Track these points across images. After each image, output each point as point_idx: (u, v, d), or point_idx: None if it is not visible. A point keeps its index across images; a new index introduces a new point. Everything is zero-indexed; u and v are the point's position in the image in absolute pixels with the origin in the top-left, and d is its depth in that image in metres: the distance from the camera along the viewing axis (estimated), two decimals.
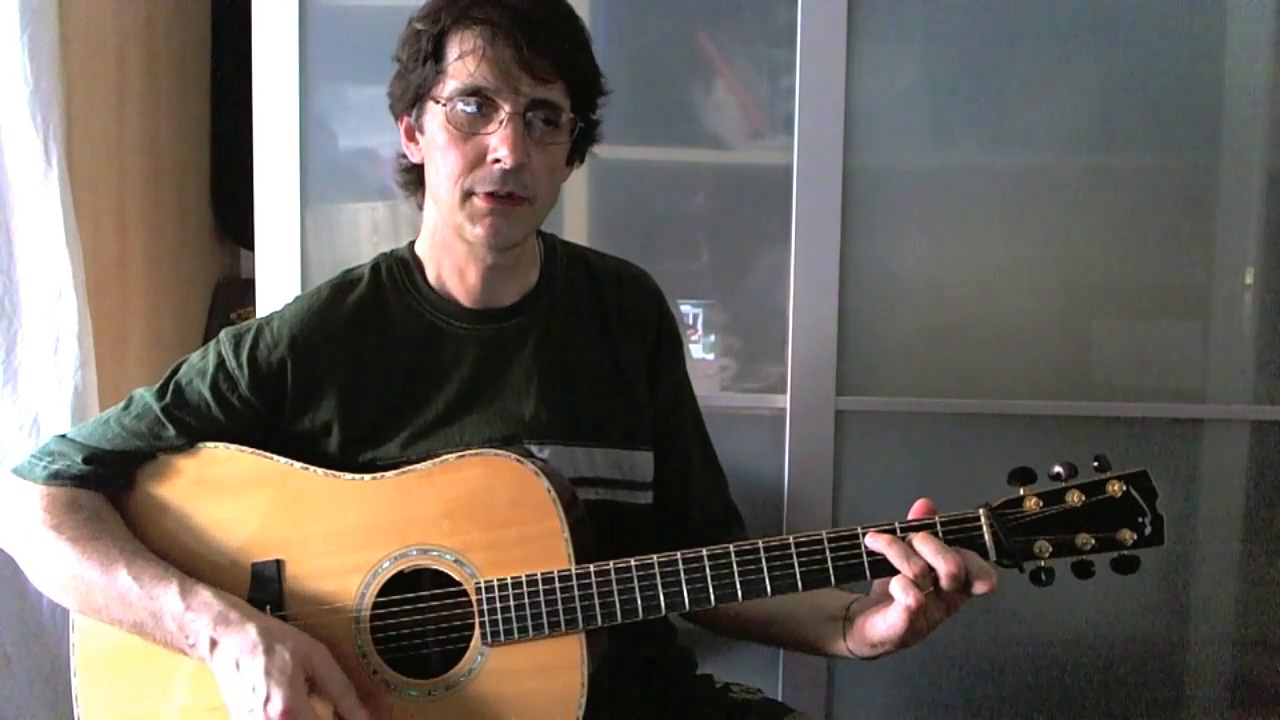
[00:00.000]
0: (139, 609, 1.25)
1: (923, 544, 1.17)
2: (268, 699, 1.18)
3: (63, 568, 1.28)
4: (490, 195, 1.29)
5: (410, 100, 1.33)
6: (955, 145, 1.84)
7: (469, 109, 1.28)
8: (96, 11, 1.95)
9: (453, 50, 1.28)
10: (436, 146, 1.31)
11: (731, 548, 1.22)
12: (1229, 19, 1.81)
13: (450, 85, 1.28)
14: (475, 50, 1.27)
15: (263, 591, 1.28)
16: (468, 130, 1.28)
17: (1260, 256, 1.85)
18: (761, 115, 1.83)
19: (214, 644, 1.22)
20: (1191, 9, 1.80)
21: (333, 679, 1.22)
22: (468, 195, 1.30)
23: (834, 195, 1.78)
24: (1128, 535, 1.18)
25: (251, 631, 1.21)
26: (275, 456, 1.32)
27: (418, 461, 1.30)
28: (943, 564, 1.16)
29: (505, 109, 1.27)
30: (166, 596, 1.24)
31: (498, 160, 1.27)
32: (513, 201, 1.30)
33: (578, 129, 1.34)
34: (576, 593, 1.22)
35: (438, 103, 1.29)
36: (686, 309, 1.85)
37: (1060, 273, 1.84)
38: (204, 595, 1.24)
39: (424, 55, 1.29)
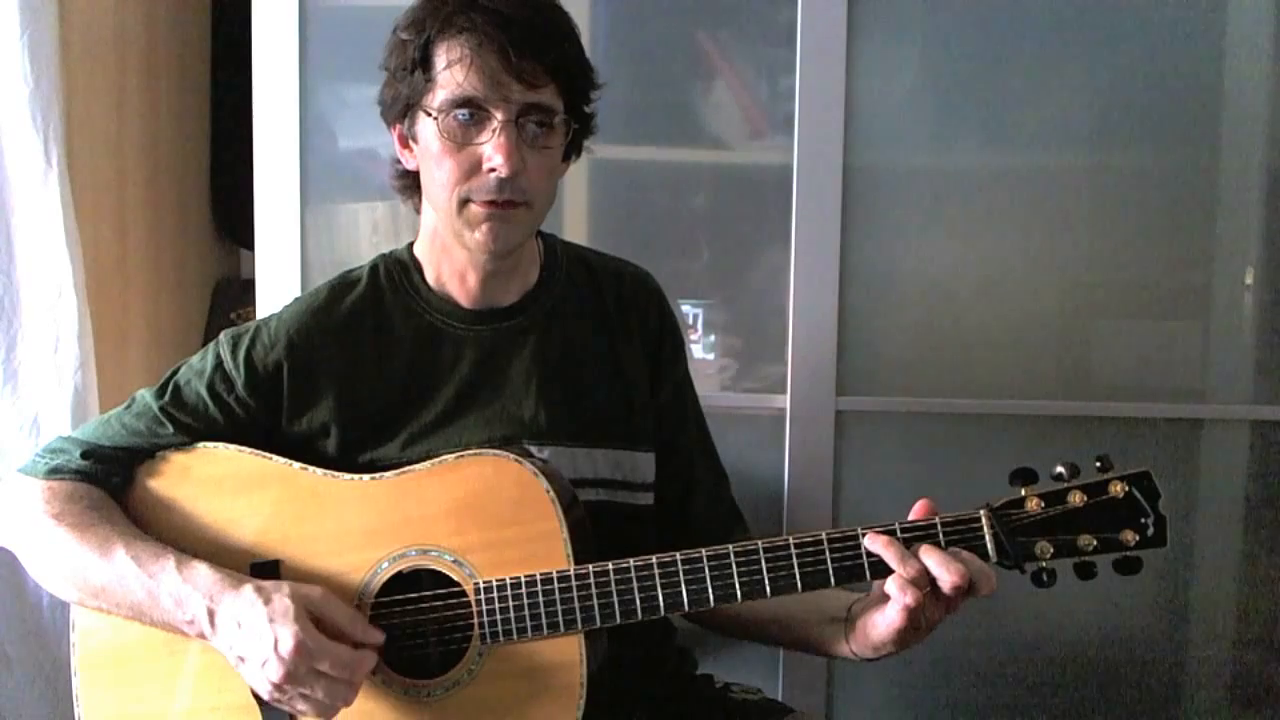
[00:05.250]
0: (137, 588, 1.25)
1: (927, 555, 1.17)
2: (276, 641, 1.17)
3: (63, 554, 1.28)
4: (488, 203, 1.28)
5: (401, 110, 1.32)
6: (955, 145, 1.84)
7: (461, 118, 1.27)
8: (96, 11, 1.95)
9: (440, 59, 1.27)
10: (431, 156, 1.30)
11: (731, 548, 1.21)
12: (1229, 19, 1.80)
13: (440, 95, 1.27)
14: (463, 59, 1.25)
15: None
16: (461, 140, 1.28)
17: (1260, 256, 1.85)
18: (761, 115, 1.83)
19: (212, 614, 1.21)
20: (1191, 9, 1.79)
21: (337, 611, 1.22)
22: (464, 203, 1.29)
23: (834, 195, 1.78)
24: (1130, 536, 1.17)
25: (247, 590, 1.21)
26: (275, 456, 1.32)
27: (417, 462, 1.30)
28: (947, 575, 1.15)
29: (498, 117, 1.26)
30: (164, 573, 1.24)
31: (493, 169, 1.26)
32: (510, 206, 1.29)
33: (572, 129, 1.33)
34: (575, 593, 1.22)
35: (429, 114, 1.28)
36: (686, 309, 1.85)
37: (1060, 273, 1.84)
38: (200, 569, 1.24)
39: (411, 65, 1.28)
